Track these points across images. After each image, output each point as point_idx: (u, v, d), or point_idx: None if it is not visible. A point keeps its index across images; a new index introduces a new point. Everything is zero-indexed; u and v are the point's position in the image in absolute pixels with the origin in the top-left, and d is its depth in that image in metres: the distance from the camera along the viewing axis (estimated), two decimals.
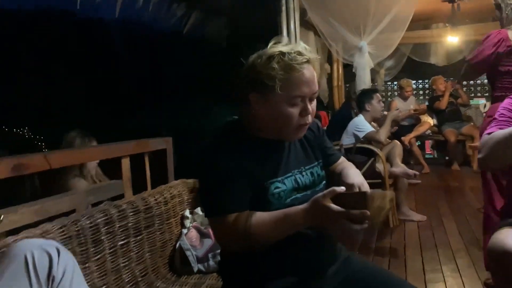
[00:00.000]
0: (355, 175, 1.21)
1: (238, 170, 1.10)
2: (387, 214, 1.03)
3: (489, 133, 1.32)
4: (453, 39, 5.74)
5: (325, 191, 0.99)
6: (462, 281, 2.21)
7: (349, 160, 3.50)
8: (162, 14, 5.40)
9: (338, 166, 1.33)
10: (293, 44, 1.12)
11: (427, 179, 4.94)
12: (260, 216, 1.07)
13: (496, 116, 1.42)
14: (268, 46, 1.13)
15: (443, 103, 5.64)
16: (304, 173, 1.21)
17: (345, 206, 0.94)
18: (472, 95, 7.49)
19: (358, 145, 3.34)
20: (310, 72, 1.10)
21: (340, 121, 3.91)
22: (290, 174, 1.18)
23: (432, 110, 5.92)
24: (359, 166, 3.21)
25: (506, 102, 1.44)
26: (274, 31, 4.11)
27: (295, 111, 1.10)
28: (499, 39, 2.06)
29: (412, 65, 7.29)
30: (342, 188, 0.99)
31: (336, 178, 1.28)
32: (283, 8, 4.07)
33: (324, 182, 1.28)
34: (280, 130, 1.14)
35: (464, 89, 6.86)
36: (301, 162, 1.23)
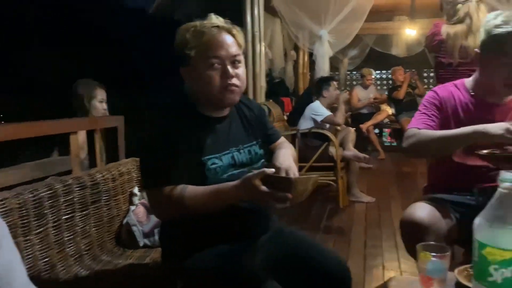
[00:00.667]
0: (285, 158, 1.28)
1: (177, 145, 1.16)
2: (308, 194, 1.13)
3: (415, 127, 1.45)
4: (411, 31, 5.94)
5: (256, 172, 1.08)
6: (398, 254, 2.38)
7: (304, 144, 3.63)
8: None
9: (277, 146, 1.42)
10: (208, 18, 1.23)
11: (382, 165, 5.18)
12: (193, 190, 1.15)
13: (420, 108, 1.54)
14: None
15: (401, 93, 5.87)
16: (242, 151, 1.29)
17: (273, 187, 1.05)
18: (431, 86, 7.80)
19: (313, 130, 3.47)
20: (224, 37, 1.19)
21: (303, 107, 4.03)
22: (227, 151, 1.25)
23: (391, 100, 6.16)
24: (313, 150, 3.39)
25: (429, 94, 1.56)
26: (239, 17, 4.15)
27: (214, 73, 1.17)
28: (432, 32, 2.19)
29: (375, 55, 7.52)
30: (271, 170, 1.08)
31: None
32: None
33: (262, 160, 1.35)
34: (208, 97, 1.21)
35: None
36: (240, 140, 1.30)
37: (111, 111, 2.48)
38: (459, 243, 1.43)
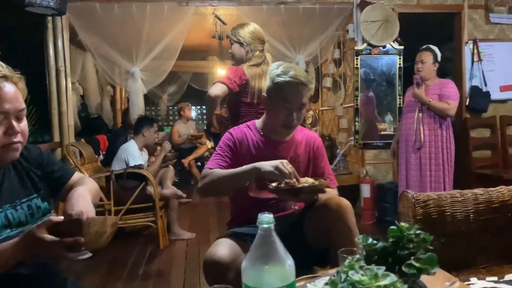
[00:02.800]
0: (77, 202, 1.11)
1: None
2: (110, 238, 1.03)
3: (208, 167, 1.57)
4: (222, 71, 6.44)
5: (40, 222, 0.96)
6: None
7: (120, 186, 3.39)
8: None
9: (72, 187, 1.25)
10: None
11: (204, 198, 5.33)
12: None
13: (216, 149, 1.66)
14: None
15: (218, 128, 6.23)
16: (18, 207, 1.13)
17: (62, 235, 0.93)
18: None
19: (130, 170, 3.34)
20: (9, 88, 1.05)
21: (116, 146, 3.84)
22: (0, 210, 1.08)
23: (210, 134, 6.48)
24: (131, 190, 3.25)
25: (225, 136, 1.69)
26: (40, 49, 3.77)
27: None
28: (240, 74, 2.41)
29: (193, 92, 7.85)
30: (59, 218, 0.97)
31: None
32: (49, 25, 3.79)
33: (49, 214, 1.20)
34: None
35: None
36: (16, 195, 1.13)
37: None
38: None
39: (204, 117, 9.11)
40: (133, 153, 3.47)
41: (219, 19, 4.36)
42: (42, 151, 1.28)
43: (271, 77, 1.61)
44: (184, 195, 3.49)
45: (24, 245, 0.95)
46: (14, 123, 1.06)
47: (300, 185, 1.38)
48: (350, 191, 3.77)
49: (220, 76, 7.23)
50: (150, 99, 7.57)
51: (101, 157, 4.75)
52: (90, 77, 5.52)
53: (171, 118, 8.81)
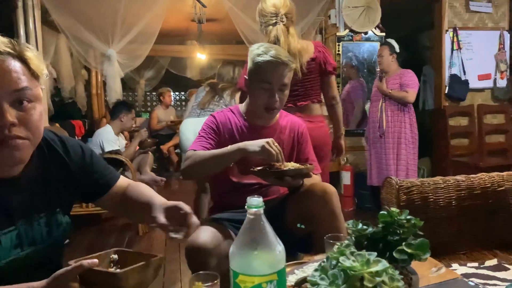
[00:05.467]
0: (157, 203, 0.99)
1: None
2: (152, 281, 0.88)
3: (192, 149, 1.51)
4: (201, 56, 6.32)
5: (70, 267, 0.78)
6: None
7: None
8: None
9: (122, 193, 1.10)
10: None
11: (183, 184, 5.26)
12: None
13: (199, 132, 1.60)
14: None
15: None
16: (35, 223, 0.93)
17: (94, 285, 0.80)
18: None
19: (107, 155, 3.24)
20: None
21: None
22: (12, 227, 0.89)
23: None
24: None
25: (208, 119, 1.63)
26: (10, 30, 3.58)
27: None
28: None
29: (171, 77, 7.70)
30: (93, 262, 0.79)
31: (129, 205, 1.08)
32: (19, 3, 3.59)
33: (67, 232, 1.01)
34: None
35: None
36: (34, 209, 0.93)
37: None
38: None
39: (183, 103, 8.97)
40: (108, 138, 3.38)
41: (199, 1, 4.25)
42: (84, 147, 1.07)
43: (251, 57, 1.55)
44: (164, 180, 3.42)
45: None
46: (7, 110, 0.81)
47: (285, 168, 1.35)
48: (330, 178, 3.77)
49: (201, 60, 7.13)
50: (127, 84, 7.38)
51: None
52: (64, 60, 5.31)
53: (148, 104, 8.63)
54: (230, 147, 1.43)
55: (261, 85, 1.52)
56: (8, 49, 0.84)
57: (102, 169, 1.08)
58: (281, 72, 1.51)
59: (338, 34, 4.04)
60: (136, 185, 1.13)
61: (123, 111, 3.51)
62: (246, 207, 0.71)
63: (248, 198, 0.72)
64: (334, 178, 3.94)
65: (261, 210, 0.71)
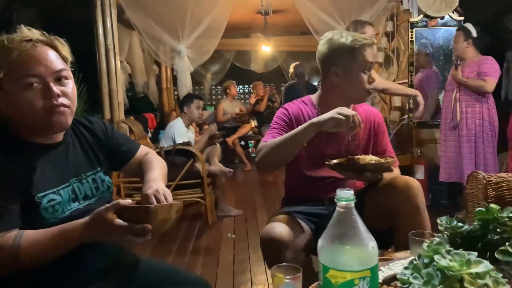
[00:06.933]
0: (151, 182, 1.13)
1: (1, 182, 0.95)
2: (174, 224, 1.02)
3: (263, 141, 1.48)
4: (266, 48, 6.31)
5: (109, 204, 0.93)
6: (265, 267, 2.42)
7: (168, 162, 3.49)
8: None
9: (140, 161, 1.27)
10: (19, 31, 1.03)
11: (248, 176, 5.34)
12: (31, 236, 0.94)
13: (271, 124, 1.58)
14: None
15: (262, 106, 6.19)
16: (84, 180, 1.12)
17: (129, 219, 0.92)
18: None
19: (178, 147, 3.37)
20: (41, 51, 1.01)
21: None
22: (67, 184, 1.07)
23: (253, 113, 6.43)
24: (179, 167, 3.28)
25: (280, 111, 1.61)
26: (91, 27, 3.83)
27: (32, 94, 0.98)
28: None
29: (236, 70, 7.81)
30: (127, 201, 0.94)
31: (140, 175, 1.23)
32: (98, 3, 3.83)
33: (111, 188, 1.20)
34: (32, 122, 1.01)
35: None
36: (81, 169, 1.13)
37: None
38: (315, 252, 1.47)
39: (247, 96, 9.06)
40: (179, 131, 3.50)
41: None
42: (106, 124, 1.26)
43: (342, 46, 1.47)
44: (231, 171, 3.49)
45: (92, 226, 0.94)
46: (53, 85, 1.00)
47: (364, 162, 1.29)
48: (402, 173, 3.58)
49: (265, 53, 7.13)
50: (194, 79, 7.61)
51: (149, 134, 4.85)
52: (137, 56, 5.59)
53: (213, 97, 8.83)
54: (300, 126, 1.36)
55: (362, 68, 1.47)
56: (45, 39, 1.03)
57: (124, 141, 1.27)
58: (373, 52, 1.50)
59: (411, 20, 3.81)
60: (146, 158, 1.28)
61: (186, 103, 3.62)
62: (335, 200, 0.69)
63: (338, 190, 0.69)
64: (406, 172, 3.74)
65: (352, 204, 0.68)
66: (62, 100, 1.02)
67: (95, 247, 1.07)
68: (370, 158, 1.34)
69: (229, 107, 6.20)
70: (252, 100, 6.36)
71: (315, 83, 9.15)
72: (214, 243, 2.91)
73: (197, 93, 8.20)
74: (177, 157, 3.37)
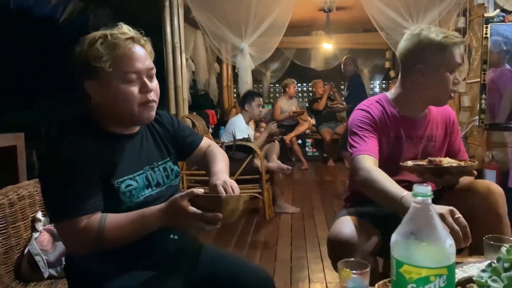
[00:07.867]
0: (219, 174, 1.20)
1: (86, 168, 1.03)
2: (241, 214, 1.07)
3: (364, 153, 1.36)
4: (328, 45, 6.23)
5: (183, 192, 1.00)
6: (323, 265, 2.41)
7: (229, 157, 3.60)
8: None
9: (204, 153, 1.34)
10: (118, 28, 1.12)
11: (305, 174, 5.31)
12: (114, 219, 1.03)
13: (356, 130, 1.44)
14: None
15: (321, 105, 6.12)
16: (156, 169, 1.20)
17: (202, 208, 0.98)
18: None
19: (238, 142, 3.45)
20: (139, 49, 1.10)
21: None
22: (141, 171, 1.16)
23: (311, 111, 6.38)
24: (239, 162, 3.35)
25: (361, 114, 1.47)
26: (159, 26, 4.02)
27: (132, 88, 1.08)
28: None
29: (295, 68, 7.78)
30: (200, 191, 1.00)
31: (205, 166, 1.31)
32: (167, 3, 4.01)
33: (179, 177, 1.28)
34: (124, 114, 1.10)
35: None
36: (153, 158, 1.22)
37: (9, 128, 2.22)
38: (381, 254, 1.41)
39: (305, 94, 9.00)
40: (239, 127, 3.58)
41: None
42: (173, 117, 1.35)
43: (432, 42, 1.36)
44: (290, 168, 3.49)
45: (169, 212, 1.00)
46: (147, 81, 1.10)
47: (446, 165, 1.23)
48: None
49: (326, 51, 7.04)
50: (253, 76, 7.69)
51: (210, 130, 5.00)
52: (200, 54, 5.78)
53: (271, 95, 8.87)
54: (407, 196, 1.19)
55: (449, 67, 1.36)
56: (140, 38, 1.13)
57: (189, 133, 1.36)
58: (461, 52, 1.39)
59: (486, 15, 3.57)
60: (210, 150, 1.36)
61: (247, 100, 3.69)
62: (412, 195, 0.68)
63: (415, 185, 0.68)
64: (476, 178, 3.55)
65: (429, 200, 0.67)
66: (153, 95, 1.12)
67: (166, 231, 1.14)
68: (448, 161, 1.28)
69: (286, 105, 6.20)
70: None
71: (377, 82, 8.91)
72: (272, 238, 2.95)
73: (256, 91, 8.29)
74: (236, 152, 3.45)
